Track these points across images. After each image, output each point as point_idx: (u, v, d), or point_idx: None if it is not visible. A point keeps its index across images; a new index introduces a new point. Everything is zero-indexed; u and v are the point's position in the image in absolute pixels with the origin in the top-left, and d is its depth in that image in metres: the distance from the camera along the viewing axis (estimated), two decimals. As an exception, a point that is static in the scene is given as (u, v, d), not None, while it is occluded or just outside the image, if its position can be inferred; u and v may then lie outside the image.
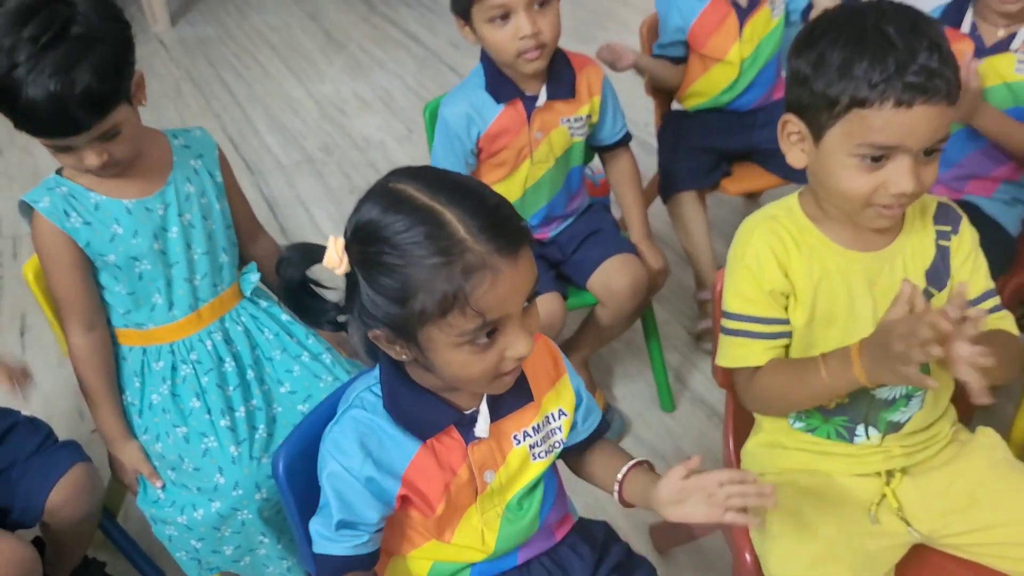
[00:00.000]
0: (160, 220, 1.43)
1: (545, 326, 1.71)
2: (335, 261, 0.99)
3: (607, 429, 1.23)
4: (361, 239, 0.97)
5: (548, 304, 1.73)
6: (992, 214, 1.77)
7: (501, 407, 1.09)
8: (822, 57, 1.08)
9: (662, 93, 2.27)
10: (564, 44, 1.73)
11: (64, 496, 1.39)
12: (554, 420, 1.14)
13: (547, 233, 1.90)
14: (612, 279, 1.81)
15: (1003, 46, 1.70)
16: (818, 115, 1.10)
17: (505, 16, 1.61)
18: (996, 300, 1.27)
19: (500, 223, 0.94)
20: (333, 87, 3.71)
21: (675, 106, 2.30)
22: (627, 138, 1.89)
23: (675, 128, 2.26)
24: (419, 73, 3.76)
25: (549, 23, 1.63)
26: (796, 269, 1.21)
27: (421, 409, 1.05)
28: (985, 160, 1.78)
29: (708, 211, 2.21)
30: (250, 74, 3.86)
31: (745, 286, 1.22)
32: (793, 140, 1.16)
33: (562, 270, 1.90)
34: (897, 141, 1.06)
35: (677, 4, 2.10)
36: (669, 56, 2.16)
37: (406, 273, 0.92)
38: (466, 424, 1.08)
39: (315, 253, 1.01)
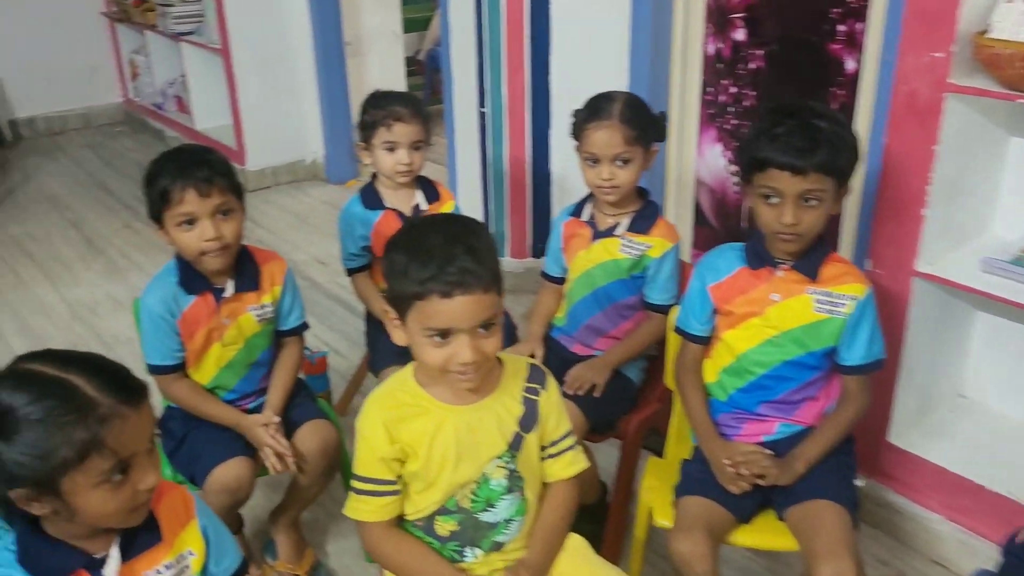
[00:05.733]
0: None
1: (233, 489, 1.90)
2: None
3: (245, 571, 1.43)
4: None
5: (236, 469, 1.92)
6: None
7: (132, 548, 1.27)
8: (392, 262, 1.38)
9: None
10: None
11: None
12: (184, 560, 1.32)
13: (247, 405, 2.11)
14: (303, 442, 2.02)
15: (610, 232, 2.15)
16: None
17: (191, 221, 1.89)
18: (572, 439, 1.59)
19: (122, 382, 1.20)
20: (87, 290, 3.83)
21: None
22: (302, 327, 2.16)
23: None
24: (176, 273, 3.94)
25: (231, 228, 1.93)
26: (412, 430, 1.47)
27: (50, 556, 1.22)
28: (606, 321, 2.19)
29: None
30: (3, 282, 3.93)
31: (363, 453, 1.49)
32: (396, 324, 1.45)
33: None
34: (447, 324, 1.35)
35: (361, 219, 2.39)
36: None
37: (46, 434, 1.13)
38: (96, 567, 1.24)
39: None
